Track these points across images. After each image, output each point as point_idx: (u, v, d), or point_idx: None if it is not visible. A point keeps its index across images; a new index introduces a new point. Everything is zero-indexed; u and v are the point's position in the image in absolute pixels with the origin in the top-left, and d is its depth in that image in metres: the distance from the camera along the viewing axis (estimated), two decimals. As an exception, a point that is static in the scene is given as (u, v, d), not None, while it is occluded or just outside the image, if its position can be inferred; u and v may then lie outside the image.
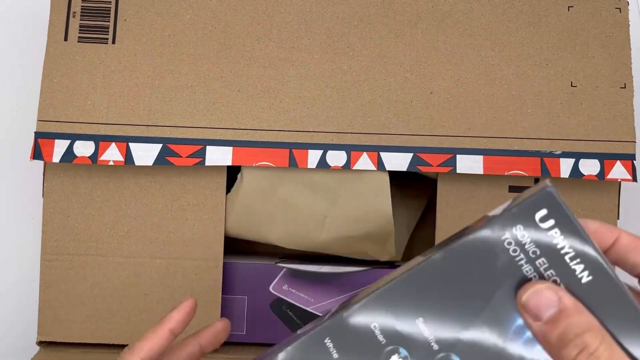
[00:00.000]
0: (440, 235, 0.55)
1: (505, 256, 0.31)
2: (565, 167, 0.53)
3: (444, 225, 0.55)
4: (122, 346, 0.55)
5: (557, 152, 0.53)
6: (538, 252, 0.30)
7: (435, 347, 0.30)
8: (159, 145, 0.53)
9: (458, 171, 0.53)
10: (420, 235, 0.64)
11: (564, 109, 0.54)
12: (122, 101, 0.54)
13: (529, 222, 0.31)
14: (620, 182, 0.54)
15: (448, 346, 0.30)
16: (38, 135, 0.53)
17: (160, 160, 0.53)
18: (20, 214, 0.65)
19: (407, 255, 0.64)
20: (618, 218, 0.55)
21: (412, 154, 0.53)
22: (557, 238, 0.30)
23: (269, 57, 0.55)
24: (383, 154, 0.53)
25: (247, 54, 0.55)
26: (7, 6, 0.68)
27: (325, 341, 0.31)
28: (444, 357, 0.30)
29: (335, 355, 0.31)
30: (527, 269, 0.30)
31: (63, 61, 0.55)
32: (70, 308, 0.55)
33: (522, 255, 0.31)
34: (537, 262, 0.30)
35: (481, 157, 0.53)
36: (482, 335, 0.30)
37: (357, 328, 0.31)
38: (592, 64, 0.55)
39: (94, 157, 0.53)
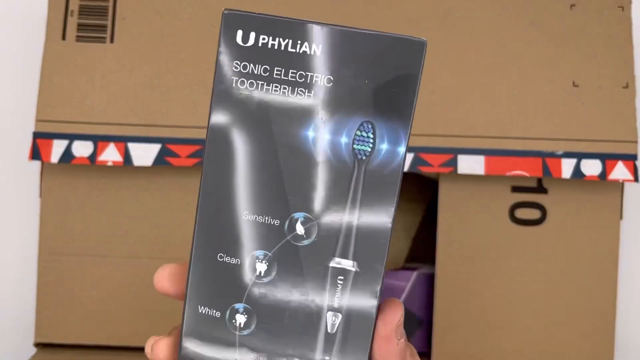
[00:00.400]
0: (442, 237, 0.54)
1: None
2: (567, 167, 0.53)
3: (446, 226, 0.54)
4: (121, 348, 0.55)
5: (558, 153, 0.53)
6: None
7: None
8: (158, 146, 0.53)
9: (459, 172, 0.52)
10: (420, 236, 0.64)
11: (566, 108, 0.54)
12: (121, 101, 0.53)
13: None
14: (622, 182, 0.54)
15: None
16: (36, 135, 0.53)
17: (160, 160, 0.52)
18: (18, 215, 0.64)
19: (410, 260, 0.64)
20: (621, 218, 0.55)
21: (412, 154, 0.52)
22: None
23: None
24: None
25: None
26: (4, 5, 0.67)
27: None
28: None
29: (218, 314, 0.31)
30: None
31: (61, 60, 0.54)
32: (68, 309, 0.54)
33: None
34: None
35: (482, 157, 0.53)
36: None
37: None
38: (595, 63, 0.54)
39: (92, 157, 0.52)
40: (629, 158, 0.53)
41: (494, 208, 0.54)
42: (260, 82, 0.29)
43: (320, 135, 0.29)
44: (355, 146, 0.29)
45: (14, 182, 0.65)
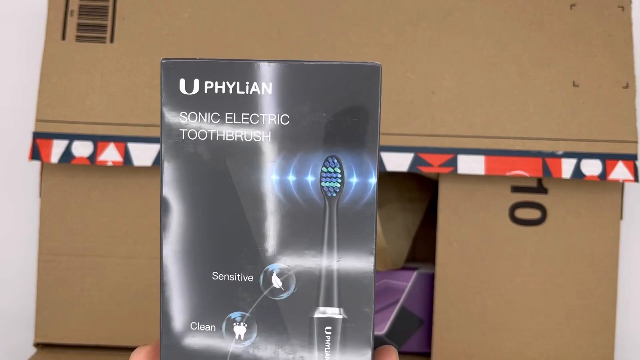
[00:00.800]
0: (442, 237, 0.54)
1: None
2: (567, 167, 0.53)
3: (446, 226, 0.54)
4: (120, 348, 0.55)
5: (559, 153, 0.53)
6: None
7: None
8: (158, 146, 0.53)
9: (459, 172, 0.52)
10: (421, 236, 0.64)
11: (566, 108, 0.54)
12: (121, 101, 0.53)
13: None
14: (622, 182, 0.54)
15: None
16: (36, 135, 0.53)
17: (159, 160, 0.52)
18: (18, 215, 0.64)
19: (410, 260, 0.64)
20: (621, 218, 0.55)
21: (413, 154, 0.52)
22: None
23: (269, 56, 0.54)
24: (383, 154, 0.52)
25: (246, 52, 0.54)
26: (4, 4, 0.67)
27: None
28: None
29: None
30: None
31: (61, 60, 0.54)
32: (67, 309, 0.54)
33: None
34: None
35: (482, 157, 0.53)
36: None
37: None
38: (595, 63, 0.54)
39: (92, 157, 0.52)
40: (629, 158, 0.53)
41: (494, 208, 0.54)
42: (211, 131, 0.27)
43: (284, 178, 0.27)
44: (323, 184, 0.27)
45: (14, 182, 0.65)
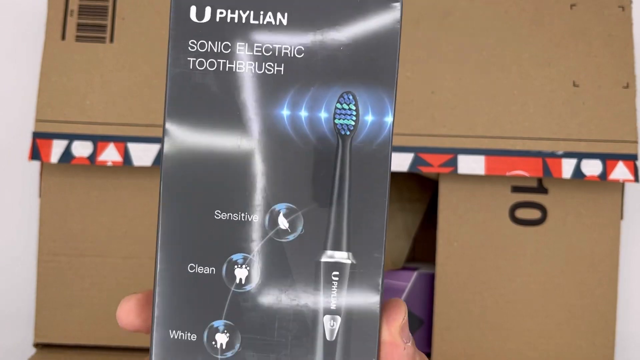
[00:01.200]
0: (442, 237, 0.54)
1: None
2: (567, 167, 0.53)
3: (446, 226, 0.54)
4: (120, 348, 0.55)
5: (559, 153, 0.53)
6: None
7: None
8: (158, 146, 0.53)
9: (459, 172, 0.52)
10: (421, 236, 0.64)
11: (566, 108, 0.54)
12: (121, 101, 0.53)
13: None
14: (623, 182, 0.54)
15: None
16: (36, 135, 0.53)
17: (159, 160, 0.52)
18: (18, 215, 0.64)
19: (410, 260, 0.64)
20: (622, 218, 0.55)
21: (413, 154, 0.52)
22: None
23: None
24: (384, 154, 0.52)
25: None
26: (4, 4, 0.67)
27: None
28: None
29: None
30: None
31: (61, 60, 0.54)
32: (67, 309, 0.54)
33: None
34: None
35: (483, 157, 0.53)
36: None
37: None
38: (595, 63, 0.54)
39: (92, 157, 0.52)
40: (630, 158, 0.53)
41: (494, 208, 0.54)
42: (221, 61, 0.26)
43: (296, 113, 0.26)
44: (336, 121, 0.26)
45: (14, 182, 0.65)
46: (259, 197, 0.26)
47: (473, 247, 0.54)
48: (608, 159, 0.53)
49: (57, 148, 0.52)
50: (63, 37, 0.55)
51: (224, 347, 0.26)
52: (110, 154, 0.53)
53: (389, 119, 0.26)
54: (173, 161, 0.26)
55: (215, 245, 0.26)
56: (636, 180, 0.52)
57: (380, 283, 0.26)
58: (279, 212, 0.26)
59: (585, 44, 0.55)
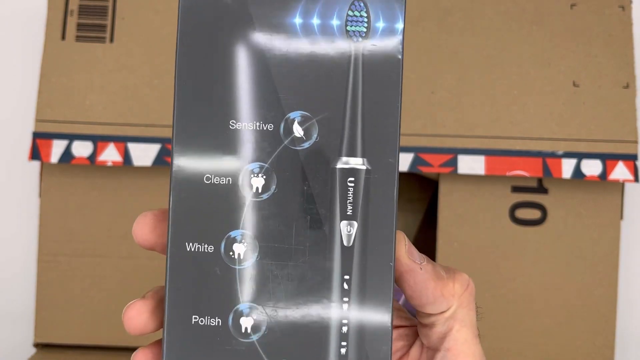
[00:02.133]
0: (442, 237, 0.54)
1: None
2: (567, 167, 0.53)
3: (446, 226, 0.54)
4: (120, 348, 0.55)
5: (559, 153, 0.53)
6: None
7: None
8: (158, 146, 0.53)
9: (459, 172, 0.52)
10: (421, 236, 0.64)
11: (566, 108, 0.54)
12: (121, 101, 0.53)
13: None
14: (622, 182, 0.54)
15: None
16: (36, 135, 0.53)
17: (159, 160, 0.52)
18: (17, 215, 0.64)
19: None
20: (622, 218, 0.55)
21: (413, 154, 0.52)
22: None
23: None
24: (384, 154, 0.52)
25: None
26: (4, 5, 0.67)
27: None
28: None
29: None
30: None
31: (61, 60, 0.54)
32: (67, 309, 0.54)
33: None
34: None
35: (483, 157, 0.53)
36: None
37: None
38: (595, 63, 0.54)
39: (92, 157, 0.52)
40: (630, 158, 0.53)
41: (494, 208, 0.54)
42: None
43: (308, 22, 0.25)
44: (348, 28, 0.26)
45: (14, 182, 0.65)
46: (273, 106, 0.25)
47: (473, 247, 0.54)
48: (608, 159, 0.53)
49: (57, 148, 0.52)
50: (63, 37, 0.55)
51: (241, 257, 0.25)
52: (110, 154, 0.53)
53: (399, 25, 0.26)
54: (187, 68, 0.26)
55: (230, 155, 0.25)
56: (636, 180, 0.52)
57: (395, 190, 0.26)
58: (293, 120, 0.26)
59: (585, 44, 0.55)
